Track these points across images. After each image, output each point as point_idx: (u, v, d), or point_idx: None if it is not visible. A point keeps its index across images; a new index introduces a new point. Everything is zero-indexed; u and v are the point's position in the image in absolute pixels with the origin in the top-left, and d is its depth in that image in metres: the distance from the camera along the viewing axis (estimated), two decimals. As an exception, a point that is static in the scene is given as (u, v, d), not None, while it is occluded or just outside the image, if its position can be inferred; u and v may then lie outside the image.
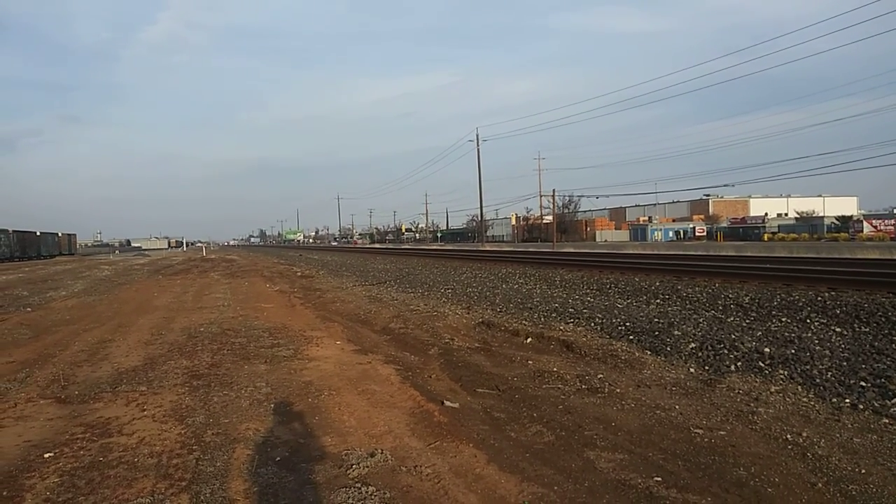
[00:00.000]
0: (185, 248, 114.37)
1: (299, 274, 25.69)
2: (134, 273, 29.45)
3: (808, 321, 8.59)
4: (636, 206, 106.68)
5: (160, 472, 3.93)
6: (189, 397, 5.76)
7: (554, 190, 69.96)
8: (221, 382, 6.33)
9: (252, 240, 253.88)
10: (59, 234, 68.60)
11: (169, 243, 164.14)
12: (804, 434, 4.39)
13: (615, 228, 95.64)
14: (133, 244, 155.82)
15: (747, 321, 8.84)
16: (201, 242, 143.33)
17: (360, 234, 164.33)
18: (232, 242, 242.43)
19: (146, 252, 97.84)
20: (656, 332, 8.26)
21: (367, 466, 3.94)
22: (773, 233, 70.52)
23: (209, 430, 4.76)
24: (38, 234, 60.48)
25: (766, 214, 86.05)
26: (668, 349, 7.41)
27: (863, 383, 5.57)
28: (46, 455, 4.28)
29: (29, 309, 13.96)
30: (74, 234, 78.77)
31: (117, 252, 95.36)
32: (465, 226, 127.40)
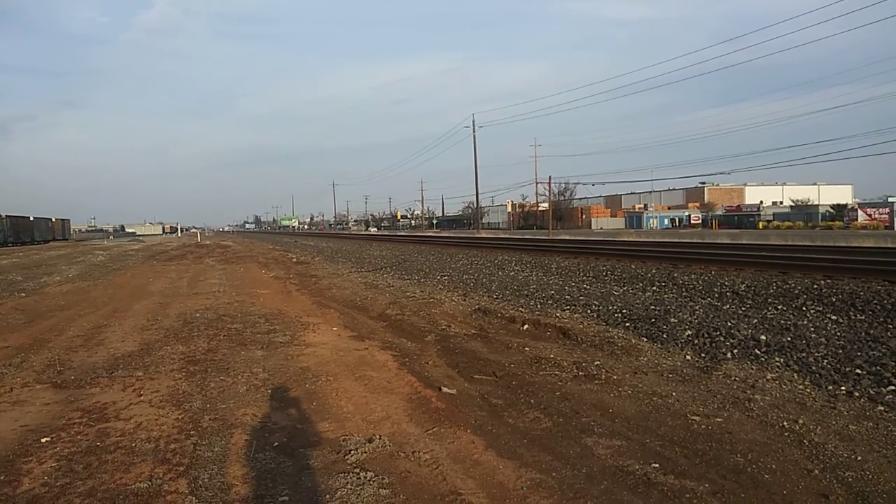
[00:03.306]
0: (179, 234, 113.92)
1: (295, 260, 25.63)
2: (128, 258, 29.34)
3: (804, 309, 8.62)
4: (632, 193, 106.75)
5: (158, 456, 3.92)
6: (186, 383, 5.75)
7: (550, 177, 69.93)
8: (218, 368, 6.32)
9: (247, 226, 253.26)
10: (53, 220, 68.19)
11: (163, 229, 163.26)
12: (800, 421, 4.41)
13: (611, 216, 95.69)
14: (127, 230, 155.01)
15: (743, 309, 8.87)
16: (196, 228, 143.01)
17: (354, 221, 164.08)
18: (227, 228, 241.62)
19: (141, 238, 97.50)
20: (653, 320, 8.27)
21: (366, 452, 3.95)
22: (769, 221, 70.69)
23: (206, 416, 4.75)
24: (31, 219, 60.08)
25: (762, 202, 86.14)
26: (665, 336, 7.42)
27: (858, 371, 5.59)
28: (44, 440, 4.27)
29: (23, 294, 13.90)
30: (68, 220, 78.36)
31: (112, 237, 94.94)
32: (460, 213, 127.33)
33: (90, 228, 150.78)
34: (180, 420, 4.67)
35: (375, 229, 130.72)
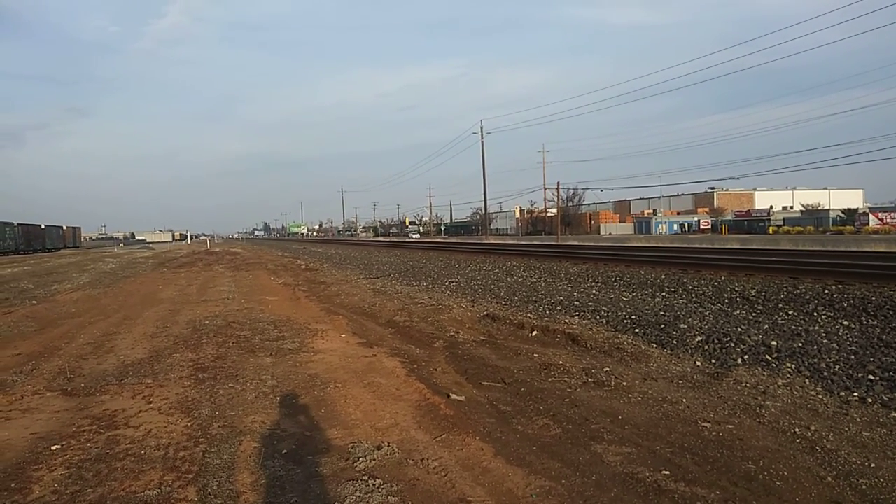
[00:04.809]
0: (189, 241, 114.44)
1: (303, 267, 25.70)
2: (138, 266, 29.51)
3: (816, 314, 8.55)
4: (640, 198, 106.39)
5: (167, 464, 3.93)
6: (195, 390, 5.76)
7: (558, 182, 70.10)
8: (227, 375, 6.33)
9: (256, 233, 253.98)
10: (64, 228, 68.74)
11: (173, 236, 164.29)
12: (812, 428, 4.37)
13: (619, 221, 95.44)
14: (137, 237, 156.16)
15: (754, 314, 8.80)
16: (205, 235, 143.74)
17: (363, 227, 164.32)
18: (236, 235, 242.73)
19: (150, 245, 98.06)
20: (662, 326, 8.23)
21: (374, 459, 3.94)
22: (779, 226, 70.26)
23: (215, 423, 4.76)
24: (42, 227, 60.59)
25: (771, 207, 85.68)
26: (675, 342, 7.38)
27: (871, 377, 5.53)
28: (54, 447, 4.29)
29: (34, 302, 14.00)
30: (79, 227, 78.98)
31: (122, 245, 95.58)
32: (468, 219, 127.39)
33: (101, 236, 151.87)
34: (189, 427, 4.67)
35: (417, 235, 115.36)
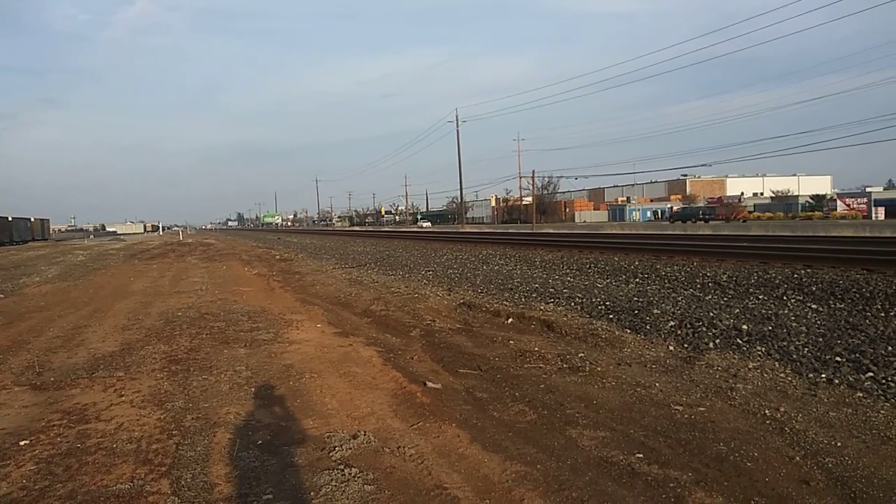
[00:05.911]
0: (161, 233, 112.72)
1: (278, 257, 25.46)
2: (109, 258, 28.97)
3: (785, 298, 8.72)
4: (614, 186, 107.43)
5: (140, 457, 3.87)
6: (168, 382, 5.69)
7: (533, 171, 70.39)
8: (200, 367, 6.25)
9: (230, 223, 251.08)
10: (32, 220, 67.06)
11: (145, 228, 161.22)
12: (782, 409, 4.46)
13: (594, 209, 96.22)
14: (108, 229, 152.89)
15: (725, 299, 8.95)
16: (178, 226, 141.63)
17: (338, 217, 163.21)
18: (209, 226, 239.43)
19: (122, 237, 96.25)
20: (636, 311, 8.32)
21: (350, 448, 3.93)
22: (750, 212, 71.37)
23: (189, 415, 4.70)
24: (9, 219, 59.02)
25: (742, 194, 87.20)
26: (648, 327, 7.47)
27: (838, 358, 5.66)
28: (22, 443, 4.20)
29: (1, 295, 13.67)
30: (48, 219, 77.05)
31: (92, 237, 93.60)
32: (444, 208, 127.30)
33: (70, 228, 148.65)
34: (162, 420, 4.61)
35: (428, 224, 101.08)
